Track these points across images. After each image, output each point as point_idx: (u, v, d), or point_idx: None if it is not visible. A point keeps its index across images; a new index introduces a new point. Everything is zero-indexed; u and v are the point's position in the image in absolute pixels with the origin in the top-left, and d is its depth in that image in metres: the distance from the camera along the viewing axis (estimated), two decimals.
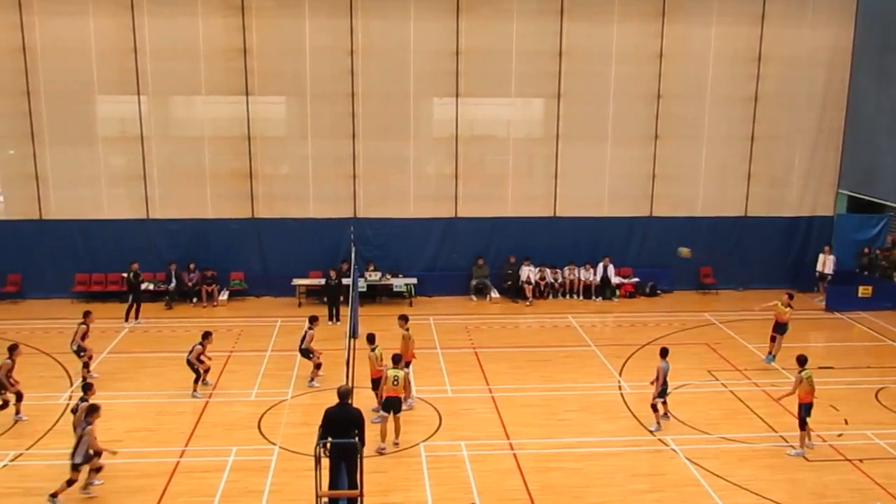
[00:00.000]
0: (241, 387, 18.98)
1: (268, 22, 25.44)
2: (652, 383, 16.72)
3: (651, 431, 16.52)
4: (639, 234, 27.44)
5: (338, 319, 24.12)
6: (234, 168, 26.20)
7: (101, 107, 26.13)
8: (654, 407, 16.71)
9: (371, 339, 17.44)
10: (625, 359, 21.00)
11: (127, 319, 23.86)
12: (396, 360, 16.30)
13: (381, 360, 16.96)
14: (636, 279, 27.27)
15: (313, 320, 19.38)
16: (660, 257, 27.30)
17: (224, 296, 26.21)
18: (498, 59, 26.12)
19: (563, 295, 27.00)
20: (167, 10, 25.16)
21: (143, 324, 23.89)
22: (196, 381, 18.46)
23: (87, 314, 19.63)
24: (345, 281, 23.93)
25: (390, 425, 15.78)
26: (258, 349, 21.65)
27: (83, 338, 19.24)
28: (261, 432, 16.62)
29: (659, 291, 27.31)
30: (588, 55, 26.27)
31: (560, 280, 27.03)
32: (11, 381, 16.89)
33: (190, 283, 25.96)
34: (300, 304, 25.75)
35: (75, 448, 13.74)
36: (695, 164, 27.26)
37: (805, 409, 15.68)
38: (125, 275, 24.70)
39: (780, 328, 20.53)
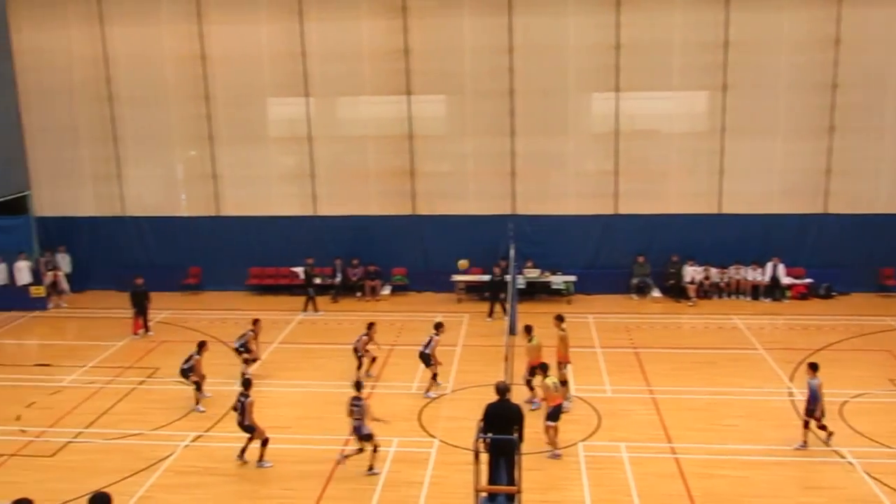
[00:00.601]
0: (402, 379, 19.41)
1: (428, 22, 25.89)
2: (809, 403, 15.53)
3: (825, 442, 15.58)
4: (812, 233, 26.00)
5: (505, 313, 24.11)
6: (396, 166, 26.84)
7: (271, 109, 27.42)
8: (821, 426, 15.48)
9: (528, 329, 17.52)
10: (796, 364, 19.94)
11: (315, 310, 25.16)
12: (545, 368, 15.87)
13: (540, 350, 16.90)
14: (809, 280, 25.89)
15: (438, 327, 19.16)
16: (835, 257, 25.83)
17: (386, 290, 26.92)
18: (659, 52, 25.48)
19: (729, 295, 26.03)
20: (333, 14, 26.07)
21: (312, 316, 24.93)
22: (358, 369, 19.07)
23: (255, 322, 20.06)
24: (506, 277, 24.03)
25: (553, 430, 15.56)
26: (419, 343, 21.98)
27: (251, 343, 19.75)
28: (421, 425, 16.94)
29: (834, 293, 25.83)
30: (756, 44, 25.13)
31: (725, 280, 26.08)
32: (201, 373, 18.15)
33: (354, 278, 26.80)
34: (459, 300, 26.08)
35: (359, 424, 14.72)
36: (875, 158, 25.54)
37: None
38: (296, 269, 25.95)
39: None
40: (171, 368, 20.09)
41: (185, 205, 28.00)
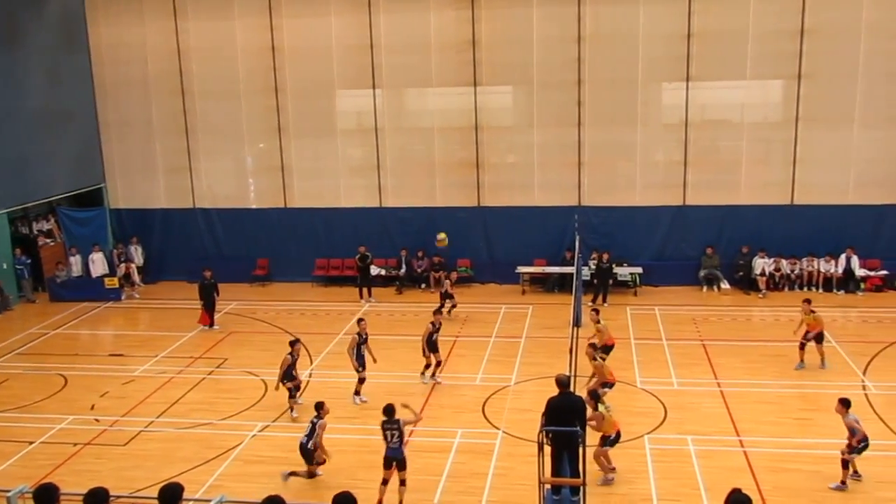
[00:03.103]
0: (467, 371, 19.44)
1: (497, 13, 25.84)
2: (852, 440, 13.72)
3: (831, 488, 13.76)
4: (889, 224, 25.24)
5: (605, 301, 24.43)
6: (462, 157, 26.87)
7: (340, 101, 27.69)
8: (845, 463, 13.74)
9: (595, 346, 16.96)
10: (870, 357, 19.45)
11: (369, 297, 25.63)
12: (596, 396, 14.60)
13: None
14: (884, 272, 25.14)
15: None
16: None
17: None
18: (732, 41, 24.98)
19: (801, 287, 25.44)
20: (402, 6, 26.23)
21: (373, 301, 25.38)
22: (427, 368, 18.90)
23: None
24: (569, 269, 23.91)
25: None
26: (483, 335, 22.10)
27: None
28: (485, 416, 16.95)
29: None
30: (833, 32, 24.48)
31: (797, 271, 25.47)
32: (294, 373, 17.21)
33: (419, 270, 26.93)
34: (524, 292, 26.00)
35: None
36: None
37: None
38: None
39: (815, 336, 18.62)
40: (239, 359, 20.60)
41: (254, 196, 28.44)
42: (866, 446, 13.57)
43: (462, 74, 26.28)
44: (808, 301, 19.18)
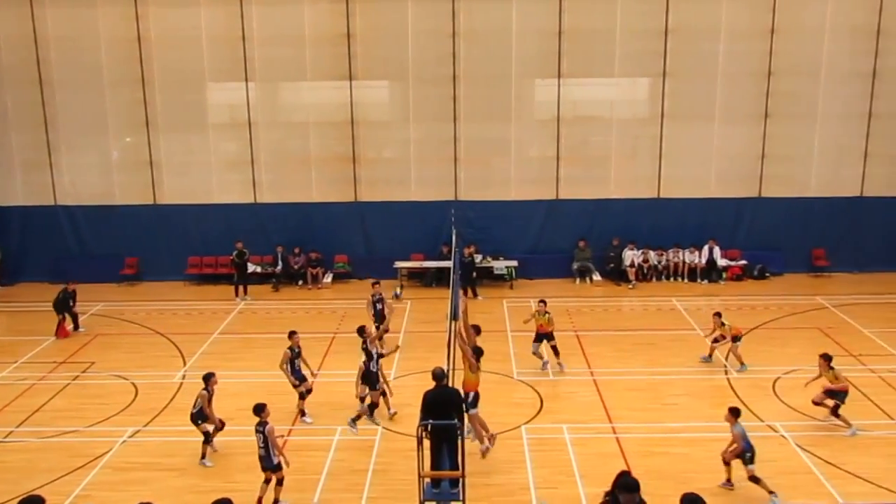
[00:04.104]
0: (345, 367, 19.18)
1: (371, 7, 25.69)
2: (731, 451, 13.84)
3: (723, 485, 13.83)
4: (747, 216, 26.63)
5: (476, 295, 24.86)
6: (338, 152, 26.63)
7: (211, 94, 26.92)
8: (755, 479, 13.47)
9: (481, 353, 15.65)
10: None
11: (245, 294, 25.01)
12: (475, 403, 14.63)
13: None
14: (744, 261, 26.49)
15: (207, 378, 15.36)
16: (769, 239, 26.51)
17: (328, 278, 26.72)
18: (601, 39, 25.68)
19: (668, 277, 26.50)
20: None
21: (249, 300, 24.83)
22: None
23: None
24: (447, 263, 24.10)
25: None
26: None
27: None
28: None
29: (768, 274, 26.44)
30: (695, 32, 25.56)
31: (664, 262, 26.51)
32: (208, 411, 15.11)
33: (296, 266, 26.56)
34: (402, 287, 26.03)
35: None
36: (807, 144, 26.21)
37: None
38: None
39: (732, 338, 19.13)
40: (106, 362, 19.85)
41: (120, 193, 27.20)
42: (753, 456, 13.54)
43: (337, 68, 26.03)
44: (718, 314, 19.32)
